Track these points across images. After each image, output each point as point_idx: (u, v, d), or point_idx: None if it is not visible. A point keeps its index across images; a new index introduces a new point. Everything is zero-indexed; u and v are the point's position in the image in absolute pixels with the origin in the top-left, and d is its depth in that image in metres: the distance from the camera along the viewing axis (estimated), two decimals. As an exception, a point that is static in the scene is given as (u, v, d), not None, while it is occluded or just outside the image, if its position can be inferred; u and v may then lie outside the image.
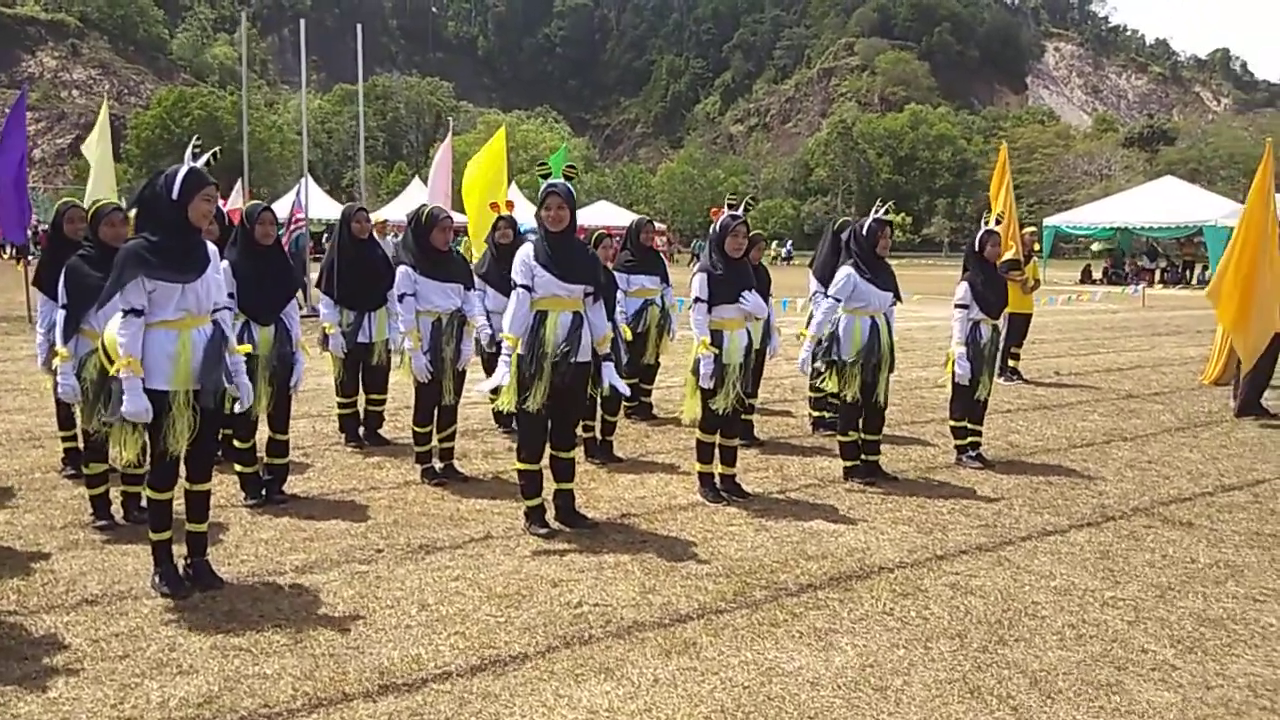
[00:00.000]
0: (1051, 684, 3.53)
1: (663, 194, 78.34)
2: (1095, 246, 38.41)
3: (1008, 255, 9.82)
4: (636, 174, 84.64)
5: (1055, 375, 11.69)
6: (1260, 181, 8.80)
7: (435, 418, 6.16)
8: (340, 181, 77.84)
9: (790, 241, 58.69)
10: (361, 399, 7.02)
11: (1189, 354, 13.95)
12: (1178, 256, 38.17)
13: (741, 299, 5.56)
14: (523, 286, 4.95)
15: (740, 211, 5.74)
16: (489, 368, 7.30)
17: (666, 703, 3.34)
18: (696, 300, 5.66)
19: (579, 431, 5.85)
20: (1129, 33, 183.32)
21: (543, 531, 5.08)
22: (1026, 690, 3.48)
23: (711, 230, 5.79)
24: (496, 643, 3.79)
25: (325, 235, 23.08)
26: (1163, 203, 36.93)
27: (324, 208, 37.38)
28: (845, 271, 6.08)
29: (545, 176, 5.09)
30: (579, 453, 5.64)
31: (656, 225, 9.11)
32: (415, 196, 38.33)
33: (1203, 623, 4.10)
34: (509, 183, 12.65)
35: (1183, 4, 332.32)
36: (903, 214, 66.87)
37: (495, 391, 5.09)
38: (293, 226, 16.64)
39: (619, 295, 7.19)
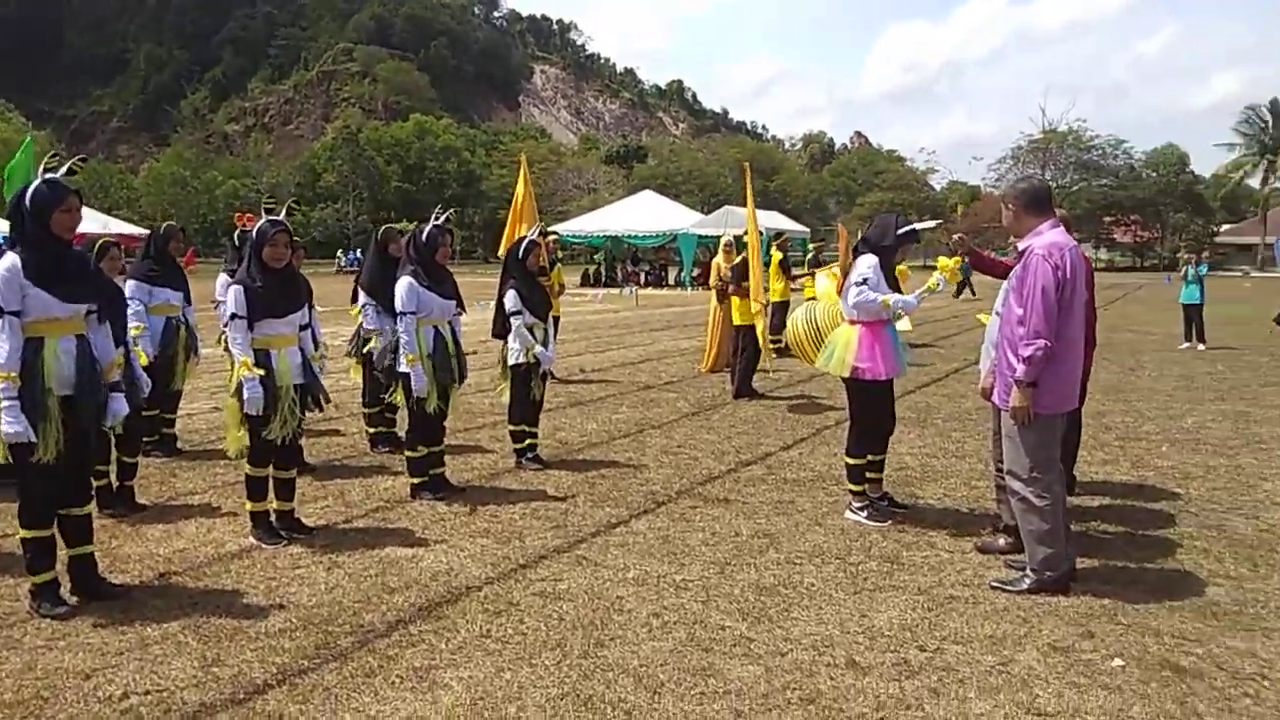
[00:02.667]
0: (654, 678, 3.62)
1: (149, 196, 70.19)
2: (599, 255, 42.25)
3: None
4: (115, 174, 74.78)
5: (581, 372, 12.43)
6: (750, 200, 10.13)
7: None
8: None
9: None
10: None
11: (683, 346, 15.74)
12: (655, 261, 43.36)
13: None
14: (11, 313, 3.94)
15: (282, 217, 5.18)
16: None
17: (261, 795, 2.83)
18: (234, 317, 5.01)
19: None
20: (603, 61, 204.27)
21: (60, 611, 4.08)
22: (633, 690, 3.52)
23: (237, 238, 5.14)
24: (12, 771, 2.92)
25: None
26: (643, 213, 41.78)
27: None
28: (405, 282, 5.78)
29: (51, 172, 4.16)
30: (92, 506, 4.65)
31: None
32: None
33: (760, 592, 4.53)
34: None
35: (645, 39, 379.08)
36: (415, 222, 67.29)
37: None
38: None
39: (140, 310, 6.17)
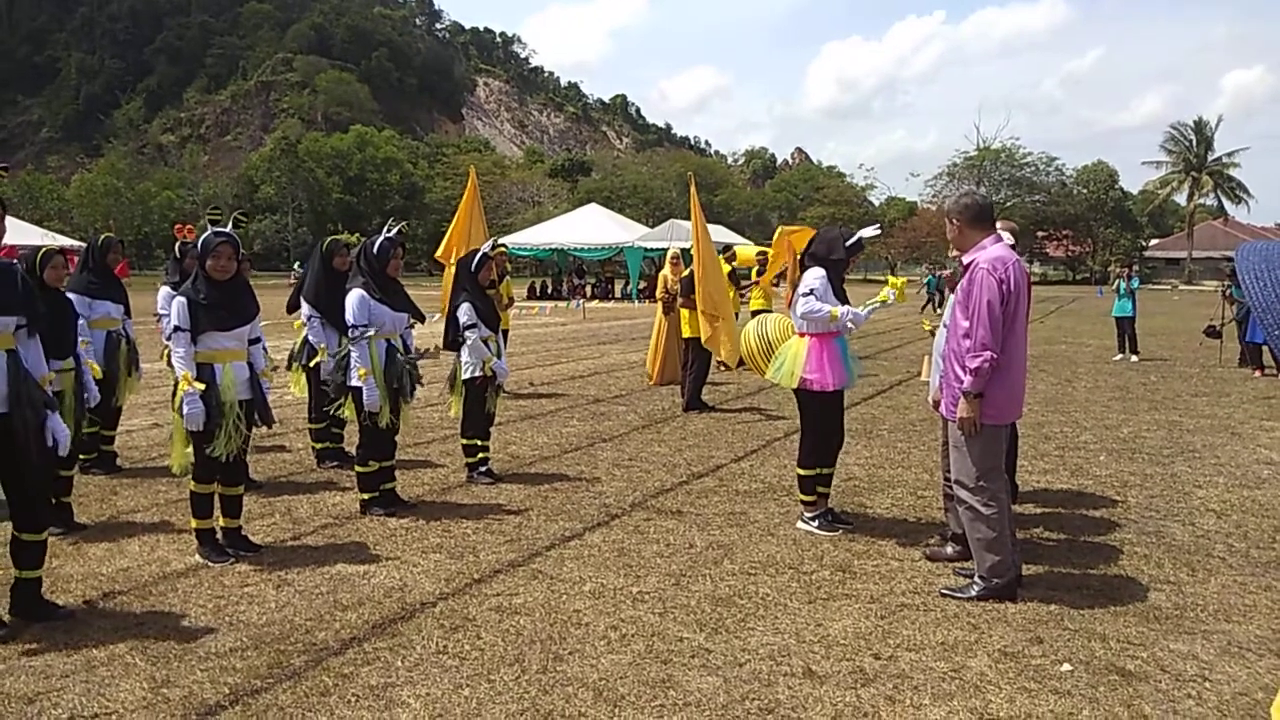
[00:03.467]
0: (613, 691, 3.62)
1: (81, 208, 68.35)
2: (551, 270, 42.28)
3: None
4: (45, 185, 72.65)
5: (530, 386, 12.38)
6: (695, 210, 10.20)
7: None
8: None
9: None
10: None
11: (632, 359, 15.76)
12: (602, 274, 43.45)
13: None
14: None
15: (228, 229, 5.09)
16: None
17: (216, 820, 2.76)
18: (176, 329, 4.91)
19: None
20: (547, 74, 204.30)
21: (-3, 634, 3.96)
22: (593, 703, 3.52)
23: (177, 250, 5.04)
24: (-49, 802, 2.82)
25: None
26: (589, 227, 41.87)
27: None
28: (356, 294, 5.71)
29: None
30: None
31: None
32: None
33: (717, 603, 4.55)
34: None
35: (588, 54, 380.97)
36: (357, 235, 66.60)
37: None
38: None
39: (82, 324, 6.01)
